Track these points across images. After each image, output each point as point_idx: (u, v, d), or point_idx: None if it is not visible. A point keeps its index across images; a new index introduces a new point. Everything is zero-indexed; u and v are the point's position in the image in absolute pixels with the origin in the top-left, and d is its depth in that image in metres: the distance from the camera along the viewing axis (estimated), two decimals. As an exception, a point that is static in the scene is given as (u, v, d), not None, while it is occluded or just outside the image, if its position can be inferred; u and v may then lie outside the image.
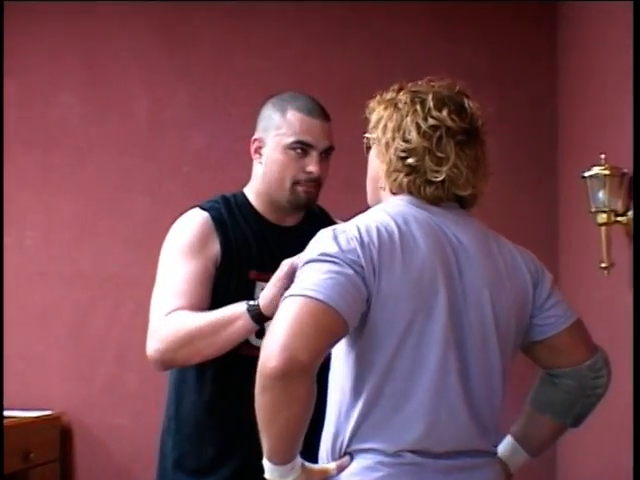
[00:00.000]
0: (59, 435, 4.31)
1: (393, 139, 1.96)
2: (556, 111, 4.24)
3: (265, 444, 1.81)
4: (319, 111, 2.54)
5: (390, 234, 1.86)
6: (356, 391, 1.88)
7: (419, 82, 2.03)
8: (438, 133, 1.94)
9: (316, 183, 2.53)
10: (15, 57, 4.51)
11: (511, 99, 4.25)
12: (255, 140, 2.57)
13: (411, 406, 1.86)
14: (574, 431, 2.23)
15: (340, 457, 1.91)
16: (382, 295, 1.83)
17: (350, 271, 1.80)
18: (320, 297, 1.75)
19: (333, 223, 2.37)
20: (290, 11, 4.41)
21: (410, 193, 1.97)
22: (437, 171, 1.93)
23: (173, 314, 2.36)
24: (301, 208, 2.57)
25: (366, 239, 1.84)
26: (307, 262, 1.85)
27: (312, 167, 2.50)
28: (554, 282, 2.09)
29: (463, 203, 2.03)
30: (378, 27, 4.37)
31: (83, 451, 4.39)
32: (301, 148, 2.50)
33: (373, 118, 2.02)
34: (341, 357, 1.93)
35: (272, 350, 1.71)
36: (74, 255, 4.45)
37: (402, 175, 1.96)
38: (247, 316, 2.25)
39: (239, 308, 2.27)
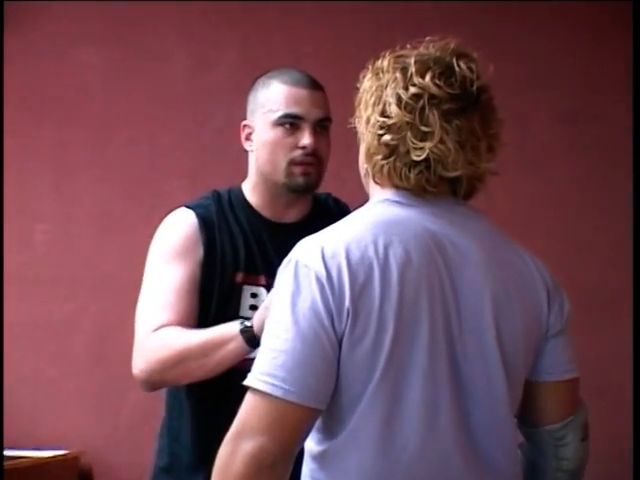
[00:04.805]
0: (77, 479, 4.18)
1: (372, 115, 1.90)
2: None
3: None
4: (307, 81, 2.57)
5: (363, 257, 1.81)
6: (329, 431, 1.85)
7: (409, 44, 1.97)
8: (421, 103, 1.85)
9: (314, 161, 2.54)
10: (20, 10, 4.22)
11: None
12: (244, 126, 2.61)
13: (393, 452, 1.82)
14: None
15: None
16: (355, 334, 1.80)
17: (319, 333, 1.77)
18: (288, 397, 1.77)
19: None
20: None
21: (392, 183, 1.89)
22: (420, 148, 1.85)
23: (161, 331, 2.47)
24: (300, 192, 2.58)
25: (334, 274, 1.79)
26: (272, 311, 1.84)
27: (306, 140, 2.51)
28: (570, 320, 2.01)
29: (459, 189, 1.92)
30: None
31: (106, 499, 4.28)
32: (290, 122, 2.52)
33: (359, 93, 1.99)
34: None
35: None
36: (96, 253, 4.25)
37: (380, 158, 1.87)
38: (240, 338, 2.38)
39: (232, 328, 2.40)
